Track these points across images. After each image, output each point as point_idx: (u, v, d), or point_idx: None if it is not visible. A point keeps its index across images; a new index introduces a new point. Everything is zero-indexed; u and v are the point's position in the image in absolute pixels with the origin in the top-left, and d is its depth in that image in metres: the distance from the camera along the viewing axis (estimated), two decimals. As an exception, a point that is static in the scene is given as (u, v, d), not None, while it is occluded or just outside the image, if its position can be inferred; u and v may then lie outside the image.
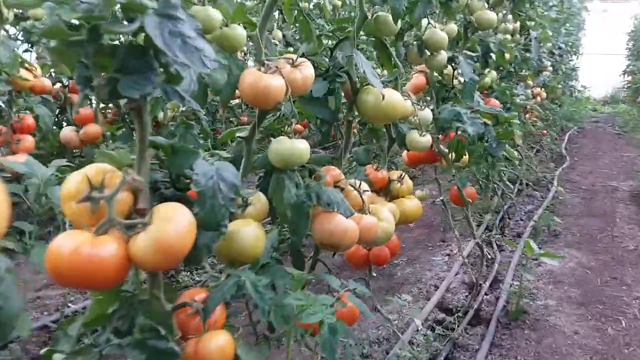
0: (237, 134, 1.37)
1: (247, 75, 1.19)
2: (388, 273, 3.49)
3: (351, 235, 1.48)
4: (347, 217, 1.47)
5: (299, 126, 4.86)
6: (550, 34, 5.09)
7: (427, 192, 3.16)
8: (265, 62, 1.23)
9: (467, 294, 3.14)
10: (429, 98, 2.51)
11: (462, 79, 2.38)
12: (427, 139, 1.92)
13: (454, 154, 2.48)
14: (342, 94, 1.69)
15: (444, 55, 2.03)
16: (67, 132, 2.84)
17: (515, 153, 3.48)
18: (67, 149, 2.93)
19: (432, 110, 2.39)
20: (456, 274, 3.38)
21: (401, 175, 2.00)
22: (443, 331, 2.67)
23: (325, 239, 1.47)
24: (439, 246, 4.00)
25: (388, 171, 2.05)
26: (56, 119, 3.42)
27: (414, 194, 3.33)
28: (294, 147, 1.28)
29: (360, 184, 1.67)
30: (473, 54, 2.49)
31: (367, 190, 1.69)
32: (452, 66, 2.41)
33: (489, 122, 2.42)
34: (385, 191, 2.03)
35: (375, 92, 1.54)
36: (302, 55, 1.57)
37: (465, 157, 2.57)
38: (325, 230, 1.46)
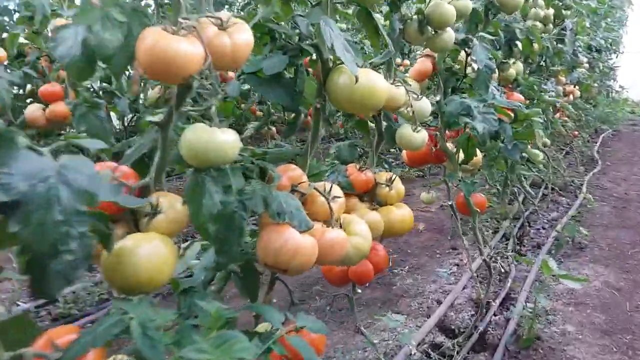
0: (149, 118, 1.04)
1: (145, 36, 0.85)
2: (387, 282, 3.15)
3: (305, 254, 1.15)
4: (301, 231, 1.15)
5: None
6: (588, 25, 4.63)
7: (434, 194, 2.79)
8: (179, 20, 0.90)
9: (473, 312, 2.77)
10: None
11: (476, 66, 2.00)
12: (421, 136, 1.56)
13: (462, 154, 2.11)
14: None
15: (450, 34, 1.66)
16: (33, 110, 2.55)
17: (540, 155, 3.06)
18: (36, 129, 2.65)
19: (437, 102, 2.03)
20: (464, 288, 3.01)
21: (390, 177, 1.65)
22: (439, 359, 2.31)
23: (270, 258, 1.15)
24: (448, 254, 3.63)
25: (381, 172, 1.71)
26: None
27: (422, 197, 2.98)
28: (212, 139, 0.94)
29: (330, 188, 1.33)
30: (491, 37, 2.11)
31: (339, 197, 1.35)
32: (465, 51, 2.04)
33: (506, 118, 2.05)
34: (370, 196, 1.69)
35: (349, 72, 1.19)
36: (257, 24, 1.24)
37: (478, 158, 2.21)
38: (270, 248, 1.13)
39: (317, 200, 1.31)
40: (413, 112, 1.54)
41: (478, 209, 2.14)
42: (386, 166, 1.86)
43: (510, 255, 3.29)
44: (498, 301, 2.82)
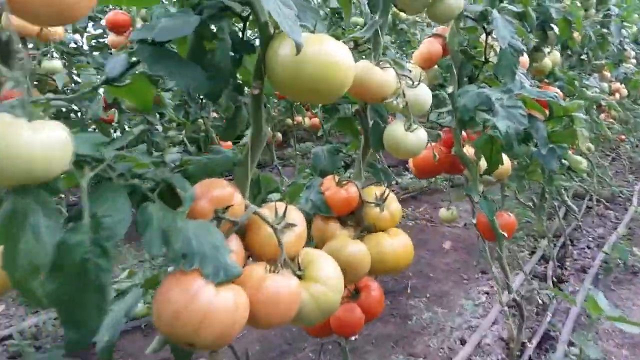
0: None
1: None
2: (402, 314, 2.68)
3: (219, 322, 0.75)
4: (218, 283, 0.75)
5: (314, 120, 3.92)
6: (637, 16, 4.08)
7: (454, 211, 2.33)
8: None
9: (504, 356, 2.29)
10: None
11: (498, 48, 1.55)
12: (417, 138, 1.12)
13: (484, 162, 1.66)
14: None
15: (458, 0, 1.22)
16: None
17: (584, 162, 2.56)
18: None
19: (450, 94, 1.59)
20: (493, 324, 2.52)
21: (383, 193, 1.22)
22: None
23: (165, 326, 0.74)
24: (477, 279, 3.13)
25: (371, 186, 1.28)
26: None
27: (441, 215, 2.51)
28: (7, 140, 0.53)
29: (284, 212, 0.94)
30: (516, 9, 1.65)
31: (294, 225, 0.94)
32: (484, 29, 1.60)
33: (538, 114, 1.59)
34: (356, 219, 1.26)
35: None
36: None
37: (505, 167, 1.75)
38: (166, 310, 0.74)
39: (262, 232, 0.92)
40: (406, 104, 1.11)
41: (505, 233, 1.67)
42: (383, 177, 1.42)
43: (547, 292, 2.75)
44: (535, 341, 2.32)
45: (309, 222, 1.26)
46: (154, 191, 0.82)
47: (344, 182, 1.21)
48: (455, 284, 3.06)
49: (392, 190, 1.26)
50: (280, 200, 1.48)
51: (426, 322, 2.59)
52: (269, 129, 3.71)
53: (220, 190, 0.87)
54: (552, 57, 2.46)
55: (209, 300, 0.72)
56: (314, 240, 1.27)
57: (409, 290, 2.94)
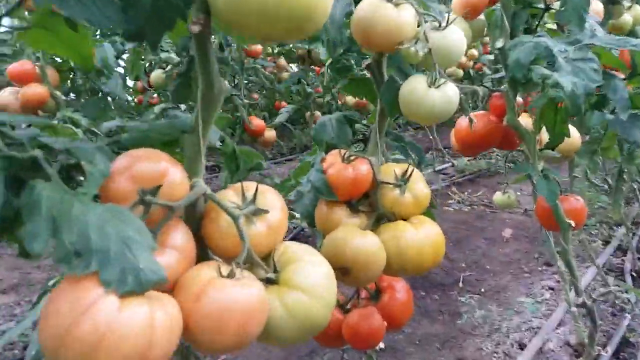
0: None
1: None
2: (452, 311, 2.39)
3: (123, 348, 0.51)
4: (123, 294, 0.52)
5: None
6: None
7: (512, 195, 2.00)
8: None
9: (572, 364, 1.96)
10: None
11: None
12: (444, 95, 0.84)
13: (544, 132, 1.35)
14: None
15: None
16: (5, 95, 2.15)
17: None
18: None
19: (500, 49, 1.28)
20: (558, 325, 2.18)
21: (405, 172, 0.95)
22: None
23: (50, 354, 0.52)
24: (540, 272, 2.77)
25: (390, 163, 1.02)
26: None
27: (496, 199, 2.18)
28: None
29: (254, 193, 0.72)
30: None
31: (266, 211, 0.70)
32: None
33: (618, 72, 1.26)
34: (371, 204, 1.00)
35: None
36: None
37: (573, 140, 1.43)
38: (51, 333, 0.51)
39: (221, 220, 0.69)
40: (429, 51, 0.83)
41: (573, 222, 1.34)
42: (412, 154, 1.14)
43: (624, 293, 2.36)
44: (610, 349, 1.97)
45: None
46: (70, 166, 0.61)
47: (353, 158, 0.94)
48: (515, 277, 2.73)
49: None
50: (286, 181, 1.25)
51: (479, 322, 2.28)
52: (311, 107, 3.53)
53: (148, 164, 0.63)
54: (633, 12, 2.06)
55: (108, 318, 0.49)
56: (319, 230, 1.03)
57: (461, 284, 2.64)
